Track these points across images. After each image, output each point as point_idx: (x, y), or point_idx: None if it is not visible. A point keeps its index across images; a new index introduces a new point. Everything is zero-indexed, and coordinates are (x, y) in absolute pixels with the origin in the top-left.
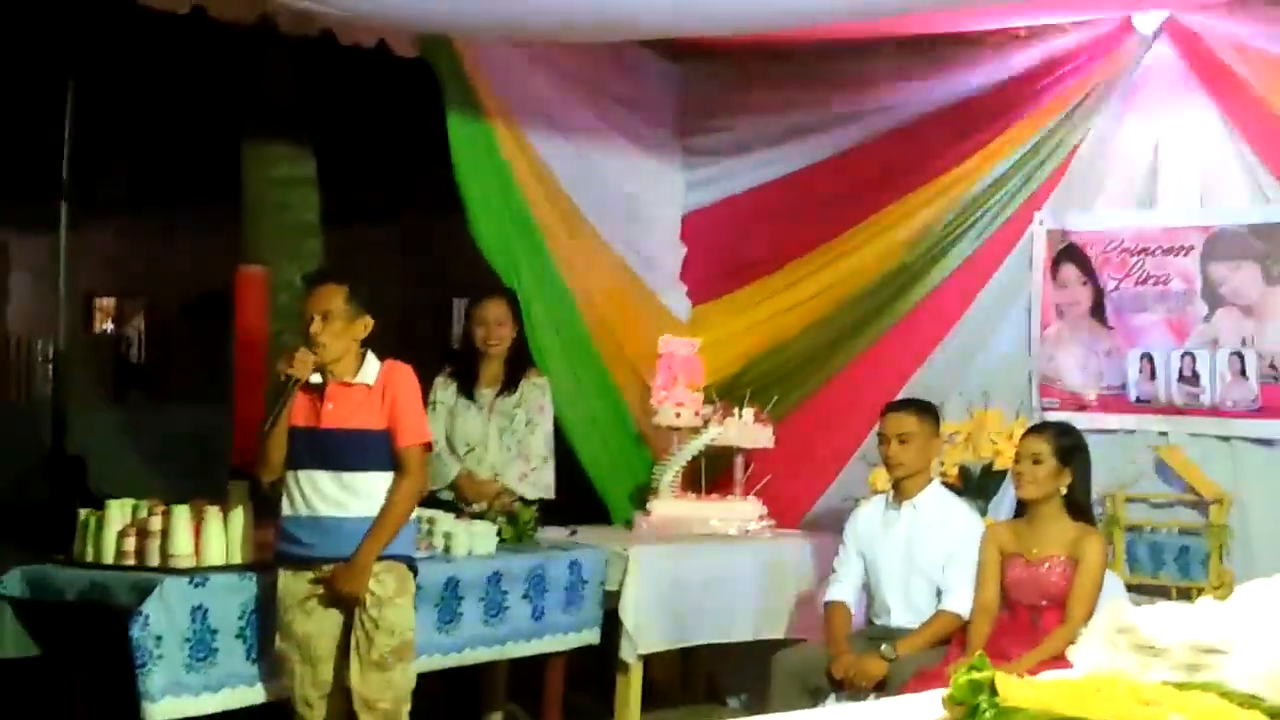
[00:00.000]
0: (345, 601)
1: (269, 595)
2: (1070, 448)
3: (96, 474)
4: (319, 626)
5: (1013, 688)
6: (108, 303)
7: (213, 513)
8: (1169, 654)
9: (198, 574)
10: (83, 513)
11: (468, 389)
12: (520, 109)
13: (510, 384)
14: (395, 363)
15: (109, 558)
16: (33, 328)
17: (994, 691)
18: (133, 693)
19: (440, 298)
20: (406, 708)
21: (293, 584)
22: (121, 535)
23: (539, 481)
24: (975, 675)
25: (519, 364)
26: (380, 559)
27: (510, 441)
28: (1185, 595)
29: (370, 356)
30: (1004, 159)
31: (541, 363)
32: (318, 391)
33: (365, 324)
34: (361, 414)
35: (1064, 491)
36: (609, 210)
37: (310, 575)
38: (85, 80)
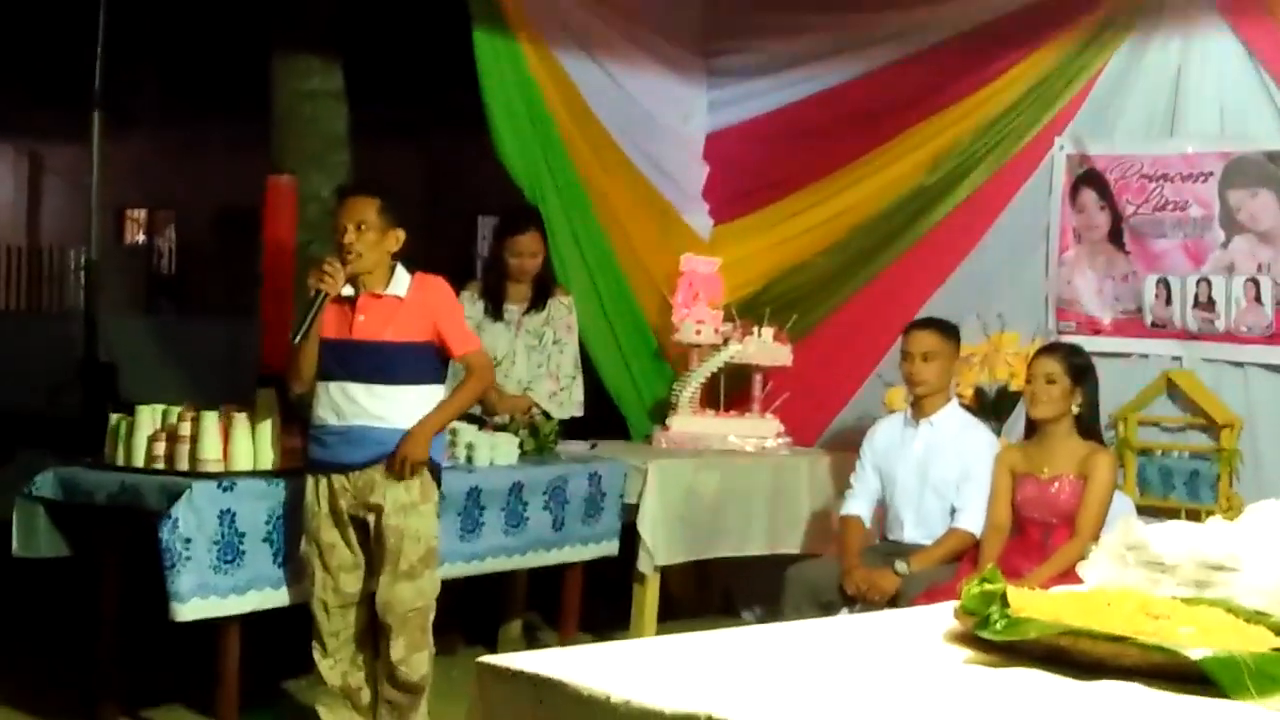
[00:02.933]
0: (403, 470)
1: (296, 500)
2: (1082, 367)
3: (128, 382)
4: (342, 536)
5: (1024, 599)
6: (139, 214)
7: (241, 419)
8: (1178, 570)
9: (226, 478)
10: (114, 417)
11: (495, 308)
12: (547, 27)
13: (538, 302)
14: (427, 275)
15: (139, 461)
16: (65, 238)
17: (1005, 603)
18: (161, 593)
19: (466, 215)
20: (433, 614)
21: (320, 491)
22: (152, 440)
23: (569, 400)
24: (987, 587)
25: (545, 283)
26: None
27: (540, 358)
28: (1194, 517)
29: (400, 269)
30: (1025, 84)
31: (564, 278)
32: (349, 302)
33: (397, 236)
34: (394, 326)
35: (1075, 411)
36: (633, 128)
37: (339, 483)
38: None
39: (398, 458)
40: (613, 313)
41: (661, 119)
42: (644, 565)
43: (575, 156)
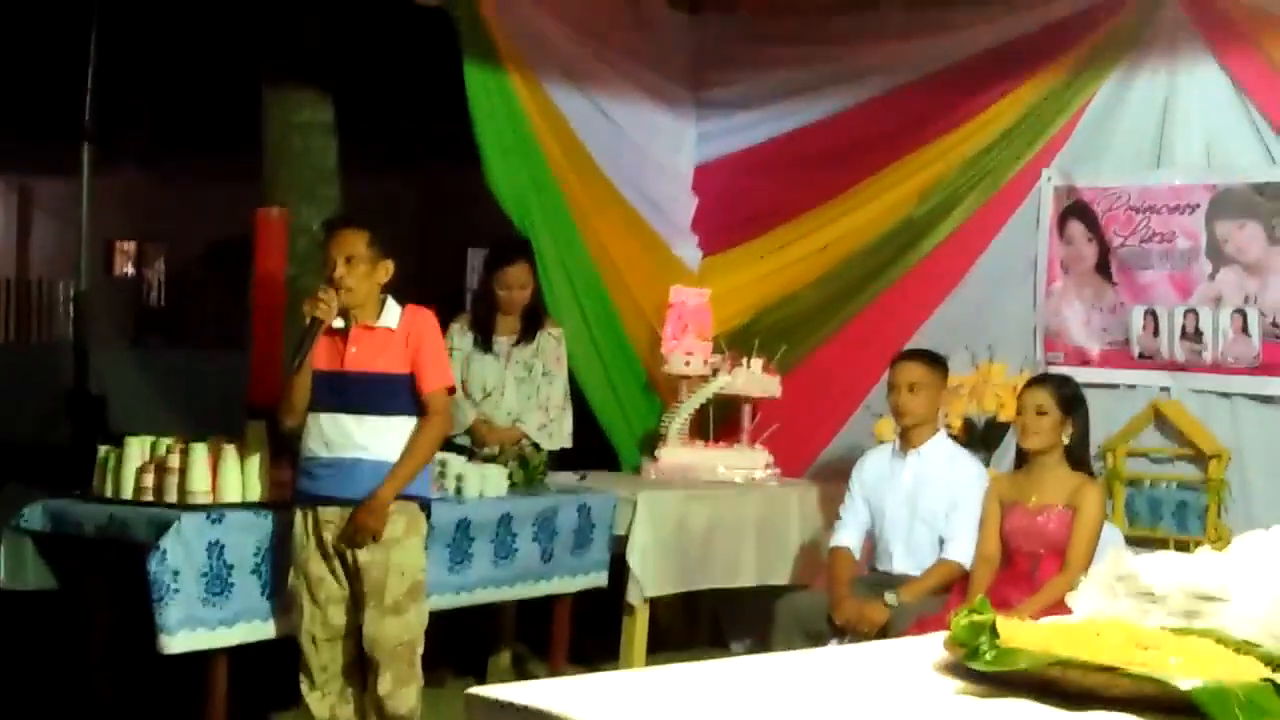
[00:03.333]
0: (361, 538)
1: (284, 533)
2: (1072, 398)
3: (117, 415)
4: (330, 569)
5: (1013, 630)
6: (129, 246)
7: (230, 451)
8: (1167, 601)
9: (214, 510)
10: (102, 449)
11: (485, 340)
12: (537, 60)
13: (527, 335)
14: (418, 307)
15: (128, 493)
16: (55, 271)
17: (995, 633)
18: (150, 625)
19: (456, 247)
20: (420, 648)
21: (310, 524)
22: (140, 471)
23: (558, 432)
24: (977, 618)
25: (535, 315)
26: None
27: (529, 390)
28: (1183, 548)
29: (391, 301)
30: (1013, 116)
31: (554, 310)
32: (340, 335)
33: (387, 268)
34: (385, 358)
35: (1065, 442)
36: (622, 161)
37: (328, 516)
38: (109, 23)
39: (355, 527)
40: (602, 344)
41: (650, 151)
42: (633, 596)
43: (565, 188)
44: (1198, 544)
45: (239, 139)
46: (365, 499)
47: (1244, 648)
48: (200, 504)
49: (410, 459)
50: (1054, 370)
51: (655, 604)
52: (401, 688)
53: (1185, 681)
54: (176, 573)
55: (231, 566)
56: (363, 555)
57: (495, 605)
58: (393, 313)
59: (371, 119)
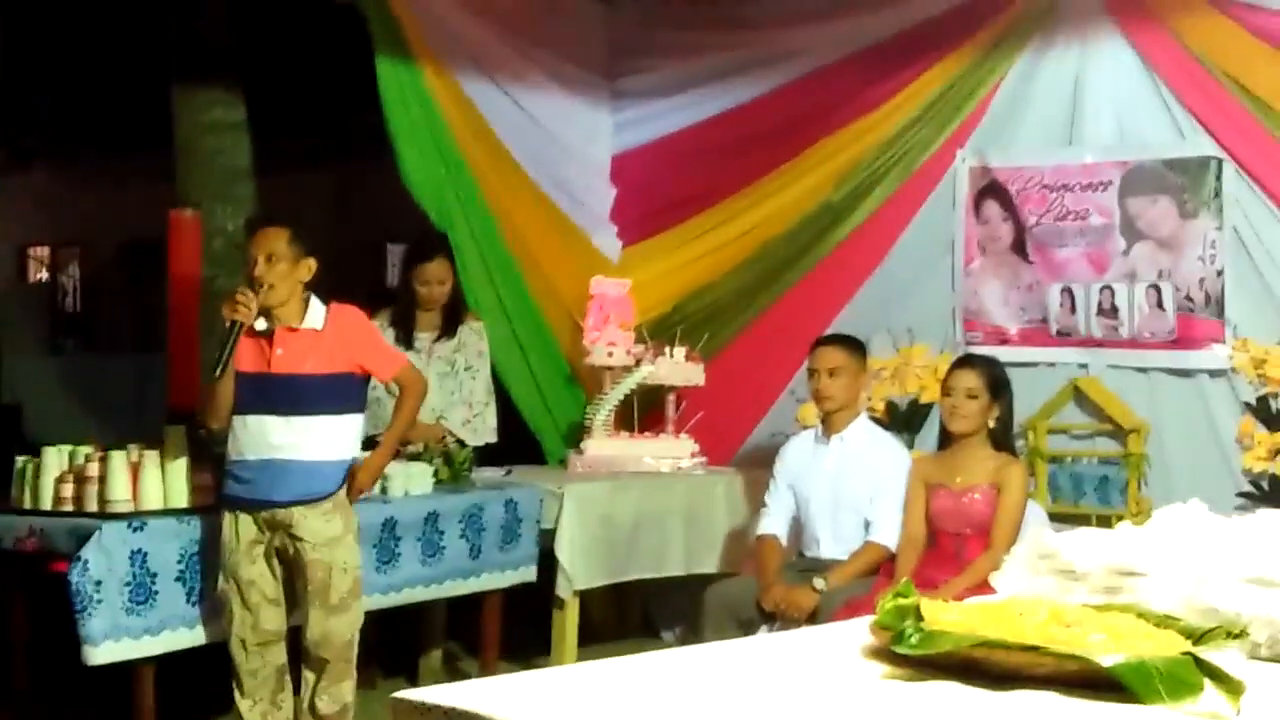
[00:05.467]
0: (282, 550)
1: (209, 538)
2: (1000, 379)
3: (33, 423)
4: (261, 572)
5: (937, 612)
6: (42, 252)
7: (150, 457)
8: (1089, 578)
9: (136, 518)
10: (20, 460)
11: (405, 337)
12: (449, 53)
13: (448, 330)
14: (342, 305)
15: (47, 504)
16: None
17: (919, 616)
18: (73, 637)
19: (374, 243)
20: (356, 646)
21: (239, 527)
22: (59, 481)
23: (482, 427)
24: (901, 601)
25: (456, 310)
26: (326, 498)
27: (452, 386)
28: (1105, 523)
29: (315, 300)
30: (926, 98)
31: (474, 304)
32: (265, 337)
33: (309, 266)
34: (313, 359)
35: (991, 425)
36: (538, 152)
37: (256, 519)
38: (12, 22)
39: (355, 489)
40: (524, 337)
41: (567, 142)
42: (563, 590)
43: (482, 182)
44: (1120, 518)
45: (152, 139)
46: (357, 467)
47: (1165, 622)
48: (121, 512)
49: (395, 427)
50: (974, 350)
51: (586, 596)
52: (335, 684)
53: (1107, 658)
54: (99, 583)
55: (155, 574)
56: (306, 554)
57: (425, 604)
58: (317, 312)
59: (285, 116)
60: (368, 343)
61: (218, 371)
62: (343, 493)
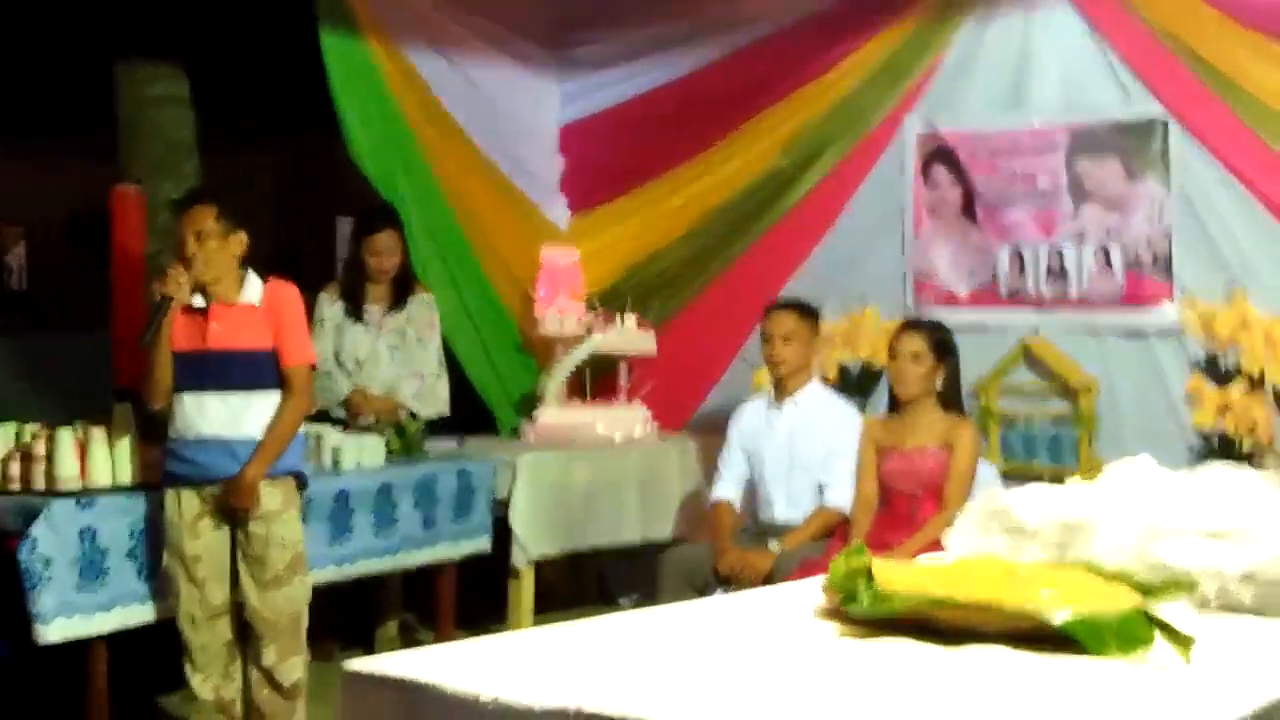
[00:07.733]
0: (235, 516)
1: (158, 515)
2: (945, 342)
3: None
4: (206, 547)
5: (888, 573)
6: None
7: (98, 434)
8: (1040, 535)
9: (84, 496)
10: None
11: (355, 309)
12: (394, 25)
13: (398, 302)
14: (279, 281)
15: None
16: None
17: (871, 578)
18: (24, 616)
19: (323, 216)
20: (305, 621)
21: (181, 504)
22: (5, 460)
23: (434, 398)
24: (853, 563)
25: (405, 282)
26: (266, 476)
27: (403, 357)
28: (1058, 481)
29: (252, 275)
30: (874, 64)
31: (424, 276)
32: (201, 314)
33: (240, 240)
34: (248, 334)
35: (939, 387)
36: (486, 123)
37: (199, 495)
38: None
39: (227, 507)
40: (474, 308)
41: (515, 113)
42: (518, 560)
43: (429, 153)
44: (1072, 476)
45: (95, 114)
46: (232, 479)
47: (1116, 576)
48: (69, 490)
49: (273, 437)
50: (925, 313)
51: (541, 565)
52: (285, 659)
53: (1058, 614)
54: (49, 561)
55: (105, 551)
56: (244, 527)
57: (380, 576)
58: (254, 287)
59: (230, 91)
60: (289, 321)
61: (145, 342)
62: (289, 478)
